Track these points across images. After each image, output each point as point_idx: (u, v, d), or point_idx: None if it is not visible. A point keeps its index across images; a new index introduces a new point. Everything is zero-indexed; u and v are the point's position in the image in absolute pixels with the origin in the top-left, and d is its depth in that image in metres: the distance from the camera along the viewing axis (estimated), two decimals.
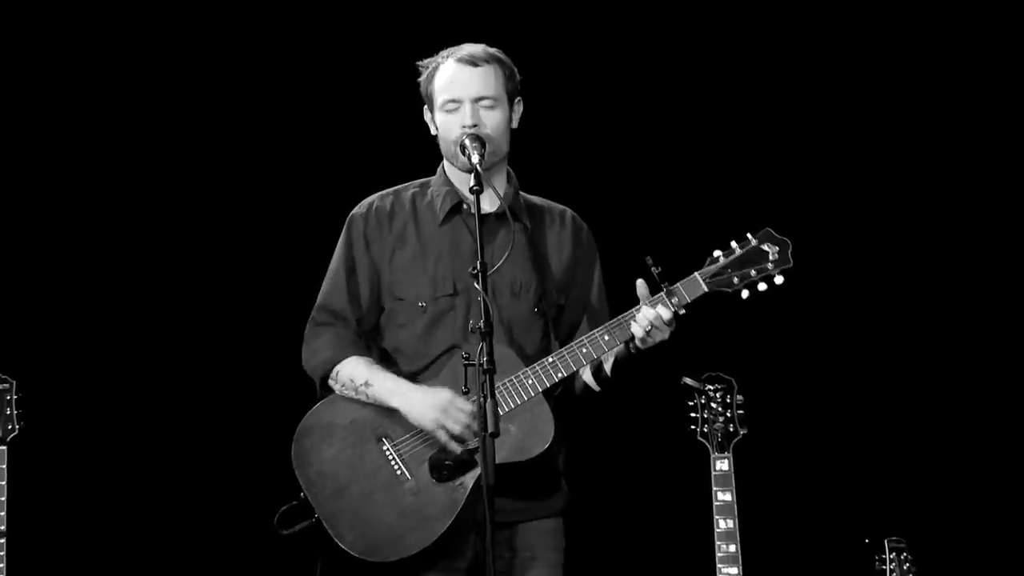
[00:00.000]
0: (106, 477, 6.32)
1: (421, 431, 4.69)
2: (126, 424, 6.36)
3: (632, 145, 6.63)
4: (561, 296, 4.90)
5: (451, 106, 4.79)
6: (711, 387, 5.38)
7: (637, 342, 4.66)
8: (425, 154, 4.98)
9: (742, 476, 5.24)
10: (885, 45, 6.47)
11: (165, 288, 6.44)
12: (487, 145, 4.71)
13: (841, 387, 6.58)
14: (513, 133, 4.87)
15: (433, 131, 4.89)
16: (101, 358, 6.37)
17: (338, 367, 4.82)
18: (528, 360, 4.72)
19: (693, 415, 5.39)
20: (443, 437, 4.67)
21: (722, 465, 5.29)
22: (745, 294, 4.71)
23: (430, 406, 4.66)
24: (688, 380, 5.31)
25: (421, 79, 4.88)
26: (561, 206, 5.02)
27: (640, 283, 4.66)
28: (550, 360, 4.69)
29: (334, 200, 5.22)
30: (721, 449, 5.29)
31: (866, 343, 6.56)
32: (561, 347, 4.74)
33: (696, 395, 5.40)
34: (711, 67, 6.56)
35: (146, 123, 6.41)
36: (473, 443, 4.62)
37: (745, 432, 5.32)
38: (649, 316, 4.62)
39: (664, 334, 4.64)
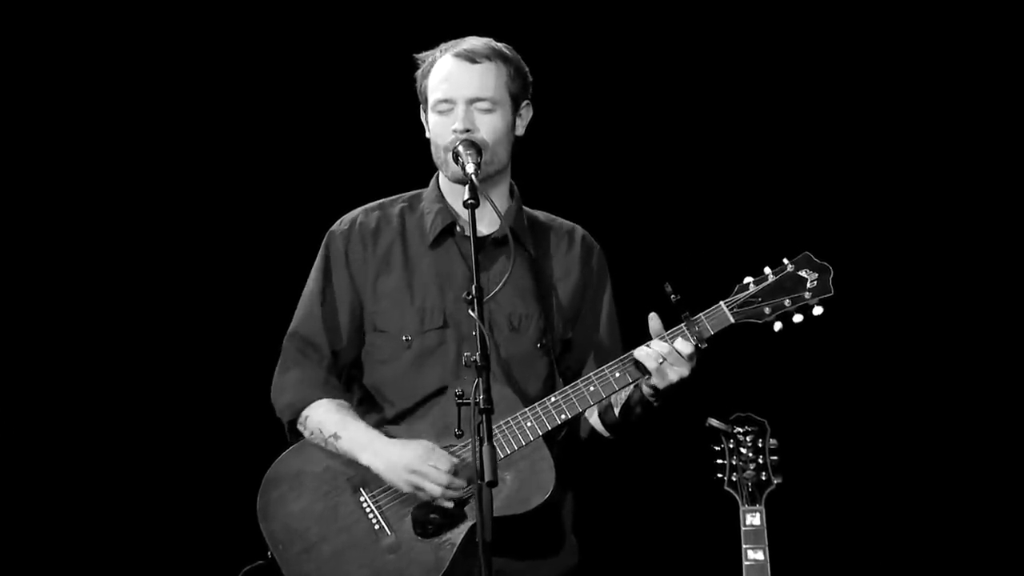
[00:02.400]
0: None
1: None
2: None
3: (650, 151, 6.58)
4: (567, 329, 4.79)
5: (443, 107, 4.67)
6: (741, 429, 5.10)
7: (653, 381, 4.53)
8: (421, 160, 4.88)
9: (776, 532, 4.99)
10: (930, 61, 6.46)
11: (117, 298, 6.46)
12: (483, 153, 4.59)
13: (891, 429, 6.53)
14: (517, 141, 4.76)
15: (428, 133, 4.77)
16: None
17: (306, 412, 4.70)
18: (529, 403, 4.60)
19: (720, 461, 5.11)
20: (423, 497, 4.56)
21: (753, 519, 5.06)
22: (778, 326, 4.61)
23: (402, 465, 4.54)
24: (714, 421, 5.04)
25: (417, 74, 4.77)
26: (570, 223, 4.92)
27: (653, 317, 4.55)
28: (552, 400, 4.58)
29: (315, 209, 5.21)
30: (752, 501, 5.07)
31: (919, 379, 6.52)
32: (566, 386, 4.63)
33: (723, 438, 5.12)
34: (747, 66, 6.55)
35: (126, 123, 6.47)
36: (463, 493, 4.52)
37: (779, 481, 5.06)
38: (662, 350, 4.49)
39: (683, 371, 4.52)
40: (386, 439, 4.58)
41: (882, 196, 6.54)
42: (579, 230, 4.90)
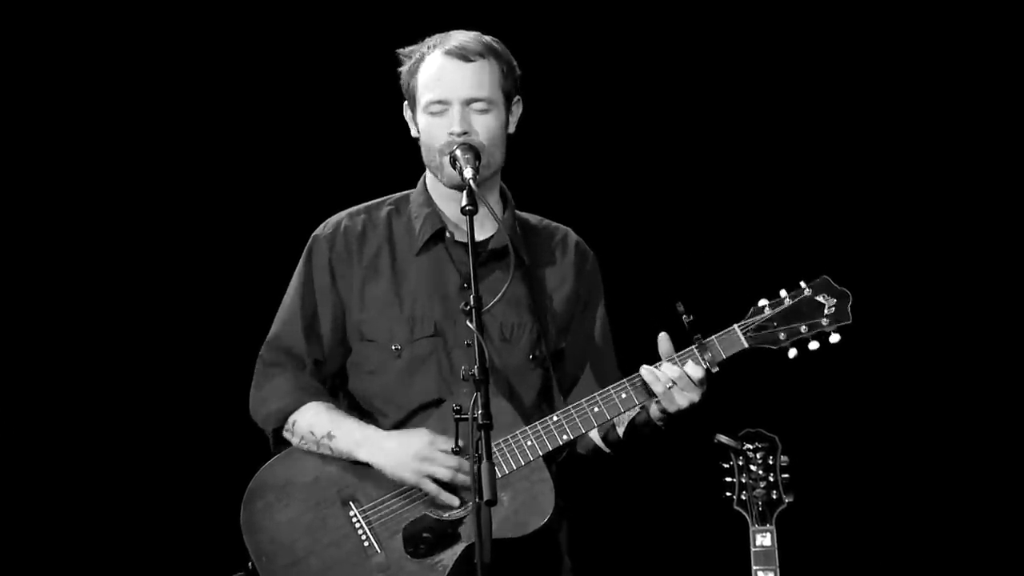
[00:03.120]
0: None
1: (397, 494, 4.55)
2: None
3: (657, 156, 6.55)
4: (561, 339, 4.76)
5: (437, 108, 4.60)
6: (751, 446, 5.06)
7: (662, 405, 4.53)
8: (406, 159, 4.83)
9: (787, 552, 4.96)
10: (946, 74, 6.47)
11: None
12: (481, 157, 4.54)
13: (907, 446, 6.52)
14: (509, 139, 4.72)
15: (414, 133, 4.71)
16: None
17: (294, 417, 4.65)
18: (524, 416, 4.59)
19: (729, 480, 5.07)
20: (431, 488, 4.51)
21: (763, 539, 5.02)
22: (792, 353, 4.60)
23: (408, 455, 4.51)
24: (723, 438, 4.99)
25: (402, 70, 4.69)
26: (563, 227, 4.88)
27: (664, 339, 4.53)
28: (554, 419, 4.55)
29: (297, 211, 5.20)
30: (762, 520, 5.03)
31: (936, 394, 6.51)
32: (564, 401, 4.64)
33: (733, 456, 5.08)
34: (771, 72, 6.56)
35: (112, 123, 6.48)
36: (460, 512, 4.48)
37: (791, 500, 5.02)
38: (672, 374, 4.48)
39: (694, 396, 4.51)
40: (383, 432, 4.55)
41: (899, 215, 6.54)
42: (572, 236, 4.85)
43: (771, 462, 5.05)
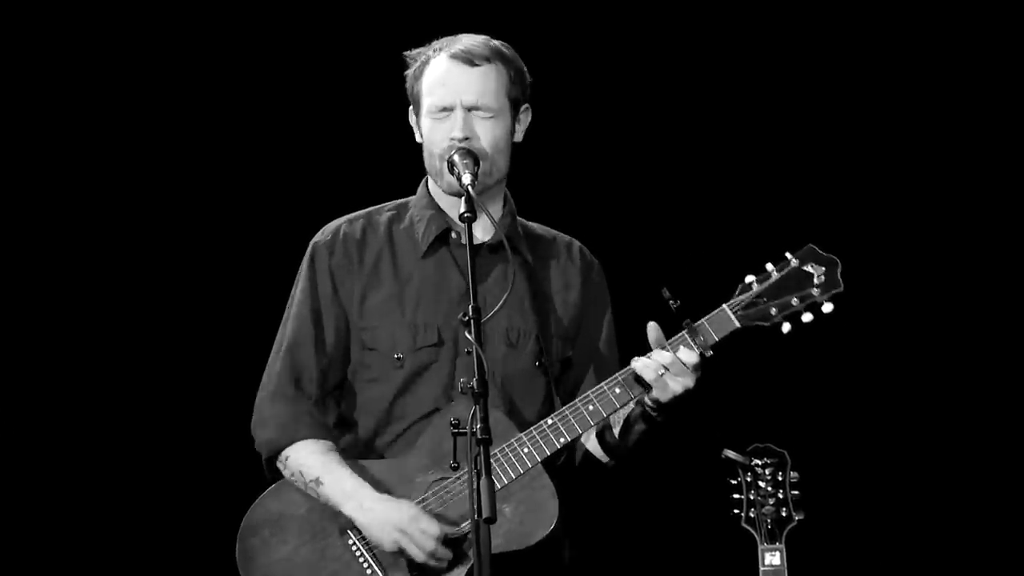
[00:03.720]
0: None
1: None
2: None
3: (635, 145, 6.56)
4: (567, 347, 4.74)
5: (439, 113, 4.60)
6: (759, 461, 5.01)
7: (655, 394, 4.49)
8: (408, 165, 4.82)
9: (797, 572, 4.91)
10: (931, 56, 6.52)
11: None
12: (481, 163, 4.53)
13: (923, 461, 6.49)
14: (514, 148, 4.71)
15: (419, 137, 4.71)
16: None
17: (287, 452, 4.64)
18: (527, 425, 4.56)
19: (737, 496, 5.02)
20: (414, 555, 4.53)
21: (772, 558, 4.97)
22: (787, 328, 4.54)
23: (390, 523, 4.49)
24: (730, 453, 4.94)
25: (407, 74, 4.69)
26: (567, 237, 4.88)
27: (653, 327, 4.50)
28: (549, 422, 4.53)
29: (293, 217, 5.22)
30: (771, 538, 4.98)
31: (954, 407, 6.48)
32: (563, 407, 4.60)
33: (740, 471, 5.03)
34: (739, 64, 6.58)
35: (107, 127, 6.50)
36: (463, 530, 4.45)
37: (801, 518, 4.97)
38: (664, 360, 4.45)
39: (688, 381, 4.47)
40: (373, 492, 4.53)
41: (890, 190, 6.55)
42: (576, 244, 4.85)
43: (780, 478, 4.99)
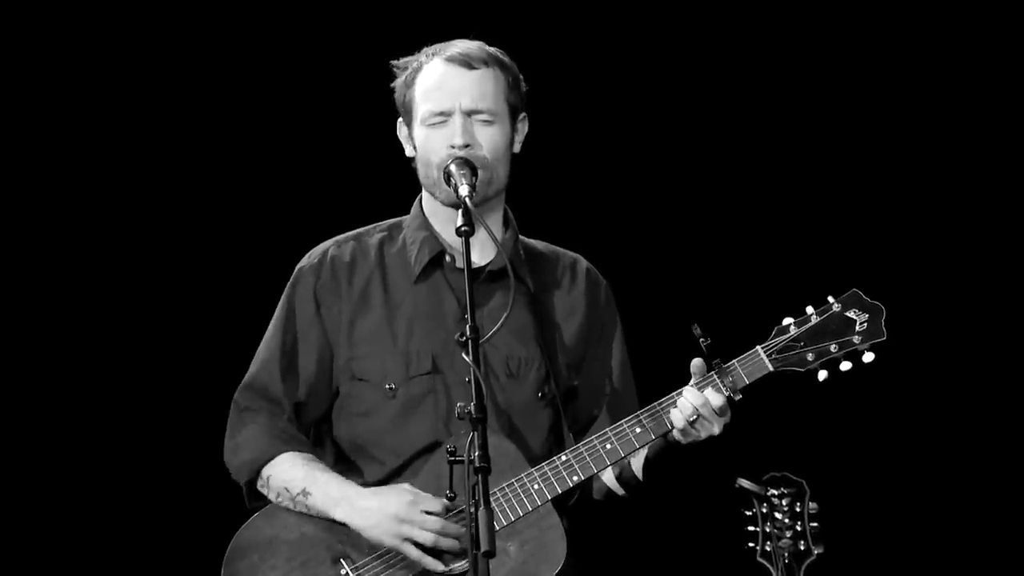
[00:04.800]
0: None
1: (389, 549, 4.51)
2: None
3: (667, 169, 6.54)
4: (573, 375, 4.69)
5: (436, 119, 4.53)
6: (776, 491, 4.95)
7: (677, 435, 4.45)
8: (397, 186, 4.78)
9: None
10: (974, 85, 6.48)
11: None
12: (479, 173, 4.47)
13: (948, 491, 6.47)
14: (513, 159, 4.65)
15: (409, 152, 4.64)
16: None
17: (267, 470, 4.58)
18: (532, 460, 4.52)
19: (752, 529, 4.95)
20: (413, 554, 4.45)
21: None
22: (823, 375, 4.52)
23: (387, 516, 4.44)
24: (745, 482, 4.89)
25: (396, 84, 4.64)
26: (572, 254, 4.82)
27: (697, 363, 4.45)
28: (563, 459, 4.48)
29: (281, 242, 5.26)
30: (789, 573, 4.91)
31: (980, 435, 6.45)
32: (576, 442, 4.57)
33: (756, 502, 4.96)
34: (785, 83, 6.56)
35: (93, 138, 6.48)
36: (459, 566, 4.40)
37: (820, 551, 4.90)
38: (695, 402, 4.40)
39: (714, 427, 4.44)
40: (361, 489, 4.49)
41: (940, 226, 6.53)
42: (582, 262, 4.80)
43: (798, 509, 4.93)
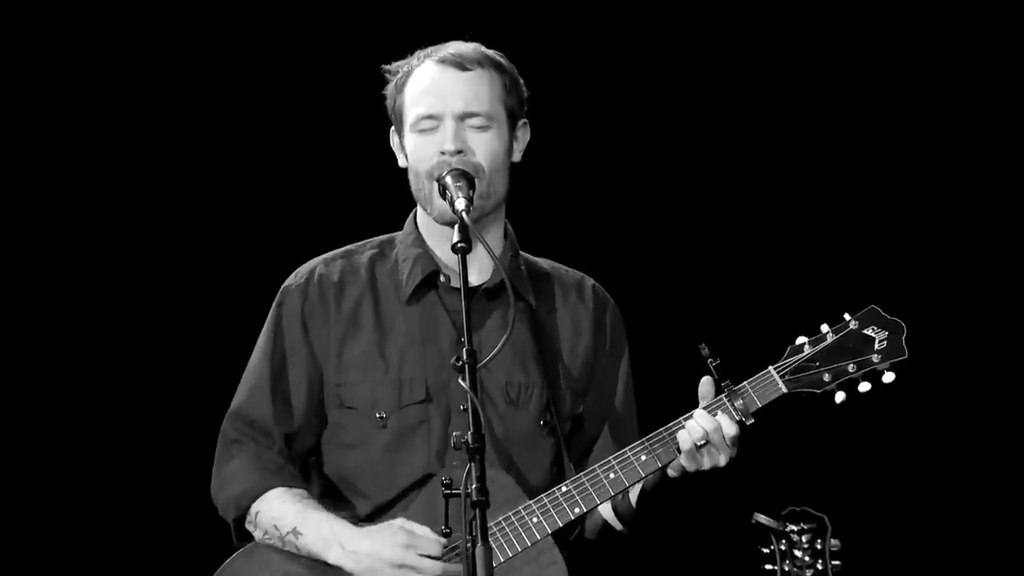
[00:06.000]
0: None
1: None
2: None
3: (674, 179, 6.50)
4: (577, 403, 4.64)
5: (427, 124, 4.46)
6: (795, 527, 4.83)
7: (683, 460, 4.38)
8: (391, 199, 4.74)
9: None
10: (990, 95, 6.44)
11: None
12: (477, 183, 4.40)
13: (978, 525, 6.39)
14: (513, 169, 4.58)
15: (402, 163, 4.57)
16: None
17: (256, 506, 4.50)
18: (532, 493, 4.47)
19: (769, 567, 4.84)
20: None
21: None
22: (840, 397, 4.46)
23: (381, 560, 4.37)
24: (762, 517, 4.76)
25: (387, 89, 4.57)
26: (577, 273, 4.77)
27: (706, 382, 4.40)
28: (563, 490, 4.42)
29: (266, 259, 5.27)
30: None
31: (1014, 456, 6.40)
32: (576, 469, 4.55)
33: (774, 538, 4.84)
34: (792, 92, 6.51)
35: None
36: None
37: None
38: (707, 425, 4.33)
39: (720, 457, 4.38)
40: (354, 529, 4.41)
41: (964, 240, 6.49)
42: (588, 281, 4.74)
43: (819, 546, 4.83)
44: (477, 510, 3.83)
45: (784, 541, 4.83)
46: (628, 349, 4.74)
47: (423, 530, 4.37)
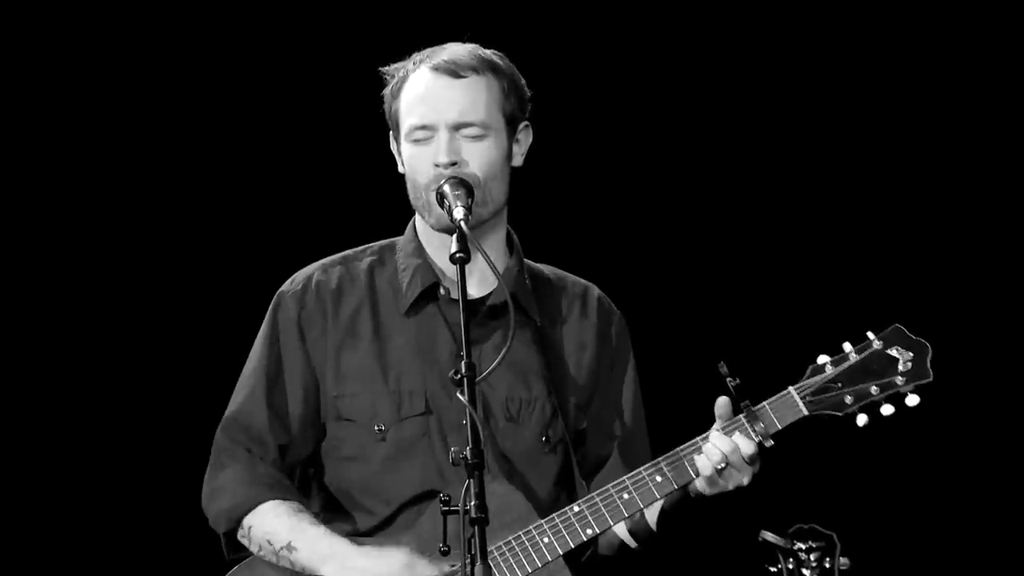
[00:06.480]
0: None
1: None
2: None
3: (688, 182, 6.49)
4: (581, 417, 4.59)
5: (421, 134, 4.41)
6: (803, 545, 4.76)
7: (702, 485, 4.35)
8: (392, 202, 4.67)
9: None
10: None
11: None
12: (475, 193, 4.34)
13: (993, 545, 6.38)
14: (514, 174, 4.53)
15: (401, 168, 4.53)
16: None
17: (249, 520, 4.46)
18: (539, 512, 4.44)
19: None
20: None
21: None
22: (862, 420, 4.42)
23: None
24: (769, 535, 4.70)
25: (385, 93, 4.53)
26: (582, 282, 4.71)
27: (723, 402, 4.36)
28: (575, 510, 4.38)
29: (263, 264, 5.32)
30: None
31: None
32: (588, 489, 4.50)
33: (781, 557, 4.78)
34: (812, 103, 6.49)
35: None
36: None
37: None
38: (723, 448, 4.31)
39: (743, 477, 4.35)
40: (354, 547, 4.37)
41: (992, 260, 6.48)
42: (594, 291, 4.68)
43: (828, 565, 4.78)
44: (476, 528, 3.79)
45: (792, 560, 4.78)
46: (635, 362, 4.70)
47: (428, 563, 4.33)
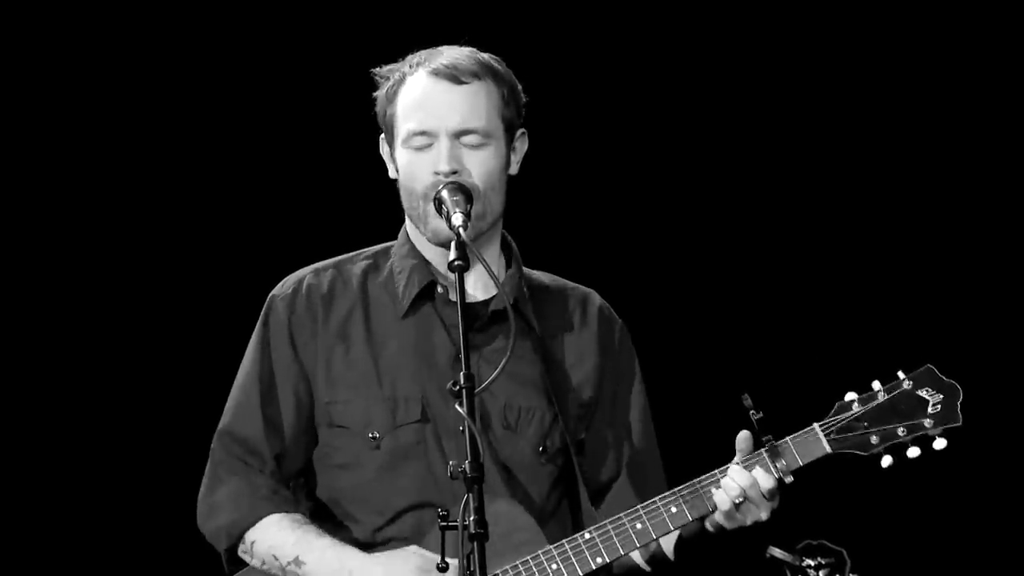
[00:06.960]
0: None
1: None
2: None
3: (706, 191, 6.47)
4: (581, 428, 4.55)
5: (419, 141, 4.37)
6: (811, 562, 4.69)
7: (720, 519, 4.34)
8: (383, 209, 4.68)
9: None
10: None
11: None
12: (474, 201, 4.32)
13: (1004, 563, 6.39)
14: (510, 182, 4.50)
15: (392, 173, 4.48)
16: None
17: (252, 535, 4.42)
18: (538, 521, 4.41)
19: None
20: None
21: None
22: (887, 462, 4.41)
23: None
24: (776, 551, 4.62)
25: (378, 95, 4.47)
26: (583, 288, 4.67)
27: (744, 436, 4.34)
28: (586, 537, 4.35)
29: (253, 269, 5.29)
30: None
31: None
32: (596, 511, 4.49)
33: (789, 573, 4.70)
34: (833, 103, 6.48)
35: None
36: None
37: None
38: (742, 482, 4.30)
39: (762, 512, 4.33)
40: (364, 557, 4.35)
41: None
42: (595, 298, 4.64)
43: None
44: (475, 544, 3.78)
45: None
46: (640, 373, 4.67)
47: (436, 556, 4.27)
